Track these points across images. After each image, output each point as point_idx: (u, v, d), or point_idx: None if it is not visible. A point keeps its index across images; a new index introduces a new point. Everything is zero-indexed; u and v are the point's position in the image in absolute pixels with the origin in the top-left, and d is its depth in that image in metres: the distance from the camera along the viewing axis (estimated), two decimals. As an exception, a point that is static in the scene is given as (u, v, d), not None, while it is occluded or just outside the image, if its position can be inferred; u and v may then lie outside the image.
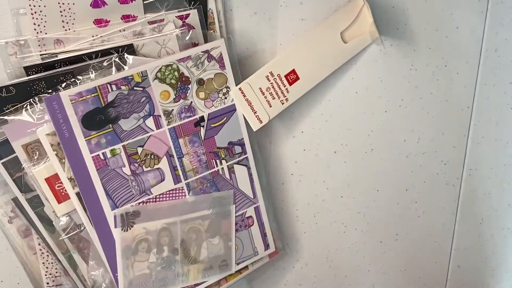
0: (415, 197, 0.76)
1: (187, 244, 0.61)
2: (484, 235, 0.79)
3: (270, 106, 0.60)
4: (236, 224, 0.63)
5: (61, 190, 0.55)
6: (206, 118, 0.59)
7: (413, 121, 0.70)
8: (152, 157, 0.56)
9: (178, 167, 0.58)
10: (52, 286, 0.59)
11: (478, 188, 0.76)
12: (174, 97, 0.56)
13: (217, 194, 0.61)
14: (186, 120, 0.58)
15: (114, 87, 0.53)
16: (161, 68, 0.55)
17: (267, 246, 0.67)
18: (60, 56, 0.53)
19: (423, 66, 0.68)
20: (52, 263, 0.58)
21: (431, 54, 0.67)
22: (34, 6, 0.50)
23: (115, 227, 0.56)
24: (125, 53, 0.54)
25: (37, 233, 0.57)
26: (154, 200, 0.58)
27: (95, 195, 0.55)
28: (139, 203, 0.57)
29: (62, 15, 0.52)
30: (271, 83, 0.59)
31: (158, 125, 0.56)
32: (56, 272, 0.59)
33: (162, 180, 0.58)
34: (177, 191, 0.59)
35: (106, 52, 0.54)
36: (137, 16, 0.55)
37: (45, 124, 0.52)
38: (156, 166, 0.57)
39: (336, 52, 0.62)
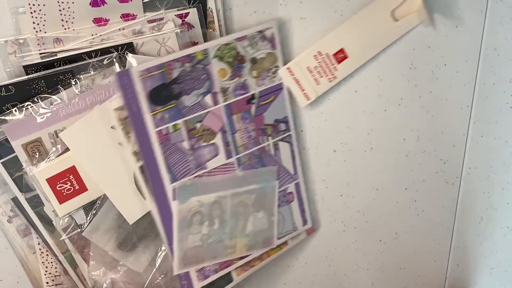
0: (415, 196, 0.76)
1: (236, 218, 0.63)
2: (483, 233, 0.79)
3: (318, 84, 0.62)
4: (278, 199, 0.66)
5: (63, 190, 0.55)
6: (257, 96, 0.61)
7: (413, 120, 0.70)
8: (209, 132, 0.59)
9: (231, 143, 0.61)
10: (52, 285, 0.59)
11: (477, 186, 0.76)
12: (231, 75, 0.59)
13: (263, 170, 0.64)
14: (240, 97, 0.60)
15: (179, 64, 0.55)
16: (220, 46, 0.57)
17: (305, 221, 0.69)
18: (60, 55, 0.52)
19: (422, 65, 0.68)
20: (51, 262, 0.59)
21: (430, 53, 0.67)
22: (34, 5, 0.50)
23: (174, 199, 0.59)
24: (126, 52, 0.54)
25: (37, 233, 0.57)
26: (208, 174, 0.60)
27: (157, 168, 0.57)
28: (195, 176, 0.59)
29: (61, 14, 0.52)
30: (319, 62, 0.61)
31: (215, 102, 0.58)
32: (56, 272, 0.59)
33: (216, 155, 0.60)
34: (229, 166, 0.61)
35: (105, 51, 0.54)
36: (136, 15, 0.55)
37: (113, 98, 0.55)
38: (211, 141, 0.59)
39: (386, 30, 0.63)
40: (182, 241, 0.60)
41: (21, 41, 0.51)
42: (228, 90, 0.59)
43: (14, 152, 0.53)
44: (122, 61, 0.54)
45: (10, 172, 0.54)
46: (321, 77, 0.62)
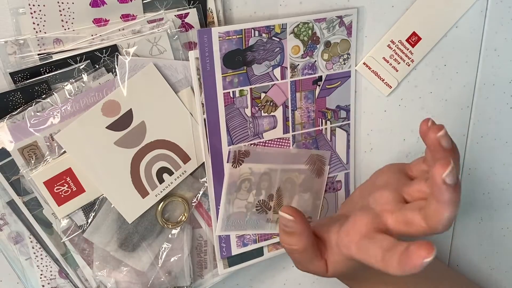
0: (414, 197, 0.76)
1: (282, 193, 0.65)
2: (483, 234, 0.79)
3: (397, 71, 0.65)
4: (326, 185, 0.67)
5: (60, 193, 0.55)
6: (323, 79, 0.63)
7: (413, 121, 0.70)
8: (271, 104, 0.61)
9: (290, 119, 0.63)
10: (48, 288, 0.59)
11: (477, 187, 0.77)
12: (302, 53, 0.61)
13: (316, 152, 0.65)
14: (307, 76, 0.62)
15: (256, 33, 0.57)
16: (299, 24, 0.59)
17: None
18: (43, 62, 0.52)
19: (422, 65, 0.68)
20: (46, 266, 0.58)
21: (430, 53, 0.67)
22: (34, 5, 0.50)
23: (227, 162, 0.61)
24: (116, 53, 0.54)
25: (34, 236, 0.57)
26: (263, 144, 0.62)
27: (218, 128, 0.59)
28: (251, 144, 0.61)
29: (61, 14, 0.52)
30: (393, 50, 0.64)
31: (283, 76, 0.61)
32: (51, 275, 0.59)
33: (274, 127, 0.62)
34: (284, 141, 0.63)
35: (91, 55, 0.54)
36: (136, 15, 0.55)
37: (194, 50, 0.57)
38: (272, 113, 0.62)
39: (455, 3, 0.65)
40: (228, 204, 0.62)
41: (21, 41, 0.51)
42: (297, 67, 0.61)
43: (10, 156, 0.53)
44: (112, 62, 0.54)
45: (7, 176, 0.54)
46: (399, 63, 0.65)
